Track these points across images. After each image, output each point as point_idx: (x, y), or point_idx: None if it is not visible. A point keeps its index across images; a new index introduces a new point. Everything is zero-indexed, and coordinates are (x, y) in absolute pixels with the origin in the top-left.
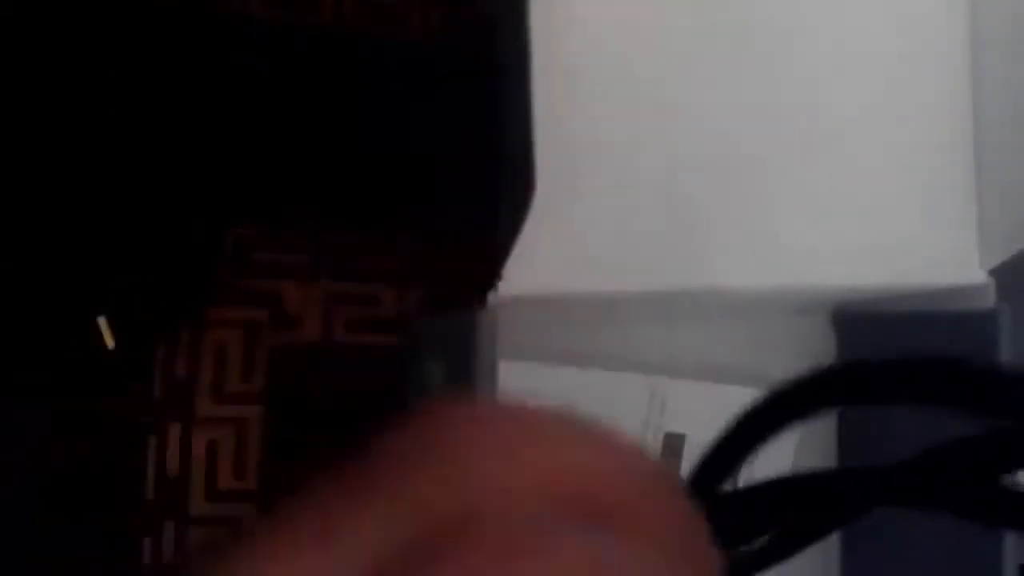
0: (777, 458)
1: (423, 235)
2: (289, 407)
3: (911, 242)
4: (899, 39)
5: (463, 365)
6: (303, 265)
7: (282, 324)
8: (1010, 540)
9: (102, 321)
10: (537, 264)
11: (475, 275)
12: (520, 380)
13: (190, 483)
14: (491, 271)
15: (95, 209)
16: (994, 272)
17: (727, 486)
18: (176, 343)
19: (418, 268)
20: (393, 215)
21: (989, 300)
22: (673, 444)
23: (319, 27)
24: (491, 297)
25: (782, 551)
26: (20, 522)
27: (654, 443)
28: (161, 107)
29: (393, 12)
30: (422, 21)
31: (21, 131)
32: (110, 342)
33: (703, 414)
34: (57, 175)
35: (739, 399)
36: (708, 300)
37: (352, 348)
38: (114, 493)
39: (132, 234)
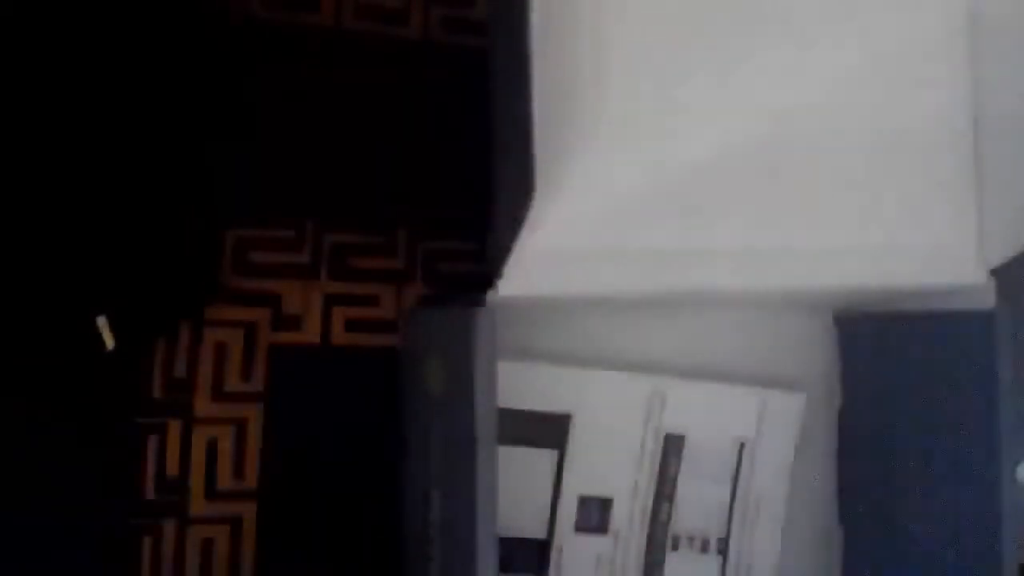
0: (777, 458)
1: (423, 235)
2: (289, 407)
3: (912, 242)
4: (901, 41)
5: (463, 363)
6: (303, 265)
7: (282, 324)
8: (1008, 540)
9: (102, 321)
10: (537, 264)
11: (475, 275)
12: (520, 380)
13: (190, 483)
14: (491, 271)
15: (95, 209)
16: (995, 272)
17: None
18: (176, 343)
19: (418, 268)
20: (393, 215)
21: (989, 300)
22: (673, 445)
23: (319, 27)
24: (490, 295)
25: None
26: (18, 522)
27: (654, 443)
28: (160, 107)
29: (393, 12)
30: (422, 21)
31: (19, 131)
32: (109, 342)
33: (703, 415)
34: (56, 175)
35: (740, 400)
36: (710, 300)
37: (352, 348)
38: (113, 493)
39: (132, 234)
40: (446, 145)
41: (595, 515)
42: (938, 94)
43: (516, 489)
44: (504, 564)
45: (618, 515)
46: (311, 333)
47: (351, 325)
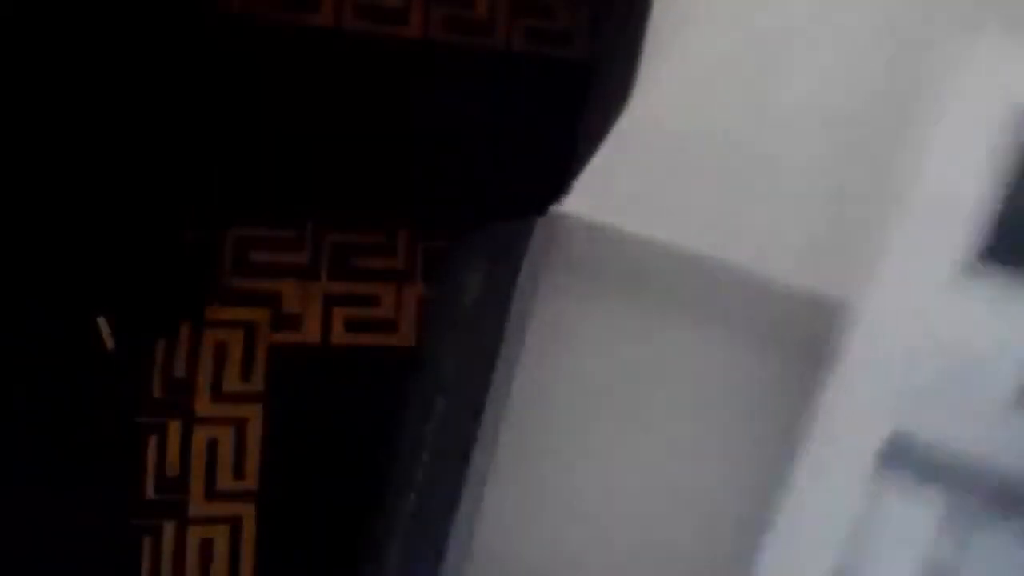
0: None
1: (423, 235)
2: (289, 407)
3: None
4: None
5: (502, 277)
6: (303, 265)
7: (282, 324)
8: None
9: (102, 321)
10: (601, 190)
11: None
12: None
13: (190, 483)
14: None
15: (95, 209)
16: None
17: None
18: (176, 343)
19: (418, 268)
20: (393, 215)
21: None
22: None
23: (319, 27)
24: (552, 210)
25: None
26: (17, 522)
27: None
28: (159, 106)
29: (394, 12)
30: (422, 21)
31: (18, 131)
32: (109, 342)
33: None
34: (56, 174)
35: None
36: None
37: (352, 348)
38: (113, 493)
39: (132, 234)
40: (446, 145)
41: None
42: None
43: None
44: None
45: None
46: (311, 333)
47: (351, 325)
